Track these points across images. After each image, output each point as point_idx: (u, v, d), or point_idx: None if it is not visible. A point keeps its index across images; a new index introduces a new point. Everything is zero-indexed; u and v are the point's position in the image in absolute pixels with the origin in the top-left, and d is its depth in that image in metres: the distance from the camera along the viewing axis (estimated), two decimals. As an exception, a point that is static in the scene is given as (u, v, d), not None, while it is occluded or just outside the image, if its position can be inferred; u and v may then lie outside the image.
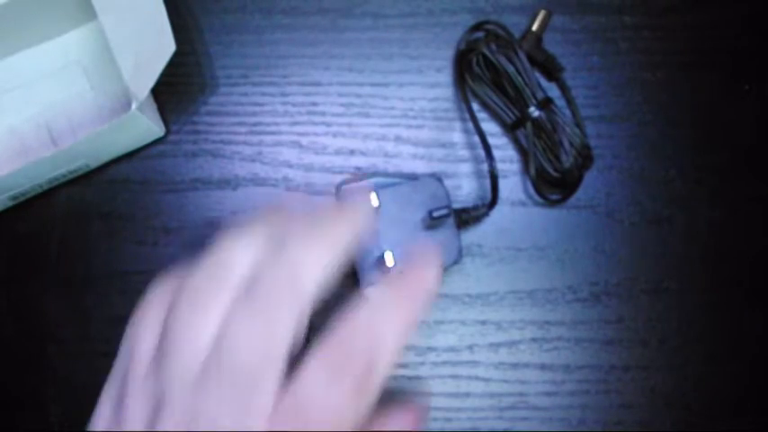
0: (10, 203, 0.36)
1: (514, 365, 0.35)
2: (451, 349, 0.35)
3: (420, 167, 0.35)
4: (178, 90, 0.37)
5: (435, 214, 0.32)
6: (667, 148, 0.37)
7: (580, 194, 0.36)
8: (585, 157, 0.35)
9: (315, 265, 0.20)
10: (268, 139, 0.37)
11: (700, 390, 0.35)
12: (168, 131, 0.37)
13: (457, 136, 0.37)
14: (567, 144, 0.34)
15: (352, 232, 0.22)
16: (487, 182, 0.35)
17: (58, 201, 0.37)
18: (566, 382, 0.35)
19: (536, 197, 0.36)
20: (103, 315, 0.36)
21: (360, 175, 0.36)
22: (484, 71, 0.35)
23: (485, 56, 0.35)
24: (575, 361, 0.35)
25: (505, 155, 0.37)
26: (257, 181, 0.37)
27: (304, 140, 0.37)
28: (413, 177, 0.35)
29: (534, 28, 0.36)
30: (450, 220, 0.32)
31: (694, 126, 0.37)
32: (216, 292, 0.20)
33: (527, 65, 0.34)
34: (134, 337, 0.22)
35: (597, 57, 0.37)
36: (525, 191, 0.36)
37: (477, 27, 0.36)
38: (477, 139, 0.37)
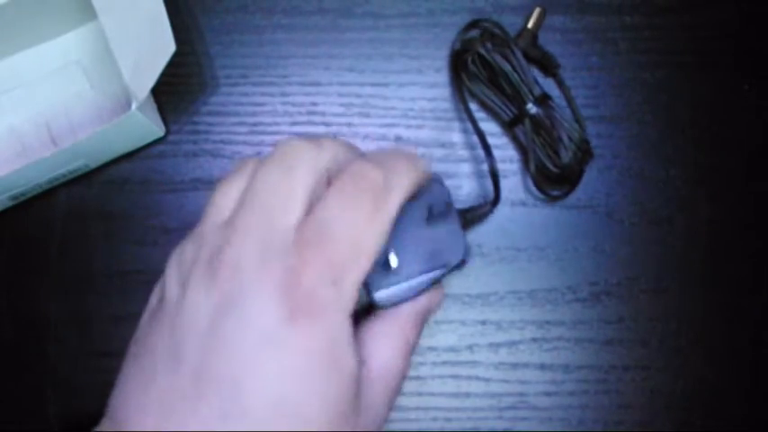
0: (10, 203, 0.36)
1: (514, 365, 0.35)
2: (451, 349, 0.35)
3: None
4: (178, 90, 0.37)
5: (437, 212, 0.32)
6: (667, 148, 0.37)
7: (580, 194, 0.36)
8: (585, 152, 0.35)
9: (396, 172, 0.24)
10: (268, 139, 0.37)
11: (700, 390, 0.35)
12: (168, 131, 0.37)
13: (457, 136, 0.37)
14: (565, 139, 0.34)
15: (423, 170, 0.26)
16: (487, 181, 0.35)
17: (58, 201, 0.37)
18: (565, 382, 0.35)
19: (537, 196, 0.36)
20: (103, 315, 0.36)
21: None
22: (480, 70, 0.35)
23: (480, 55, 0.35)
24: (574, 361, 0.35)
25: (505, 155, 0.37)
26: (257, 181, 0.37)
27: (304, 140, 0.37)
28: None
29: (530, 25, 0.36)
30: (454, 220, 0.32)
31: (694, 126, 0.37)
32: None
33: (523, 62, 0.34)
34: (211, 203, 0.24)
35: (597, 57, 0.37)
36: (525, 190, 0.36)
37: (472, 25, 0.36)
38: (476, 138, 0.37)
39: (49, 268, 0.36)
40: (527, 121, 0.34)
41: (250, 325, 0.21)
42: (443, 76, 0.37)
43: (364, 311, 0.26)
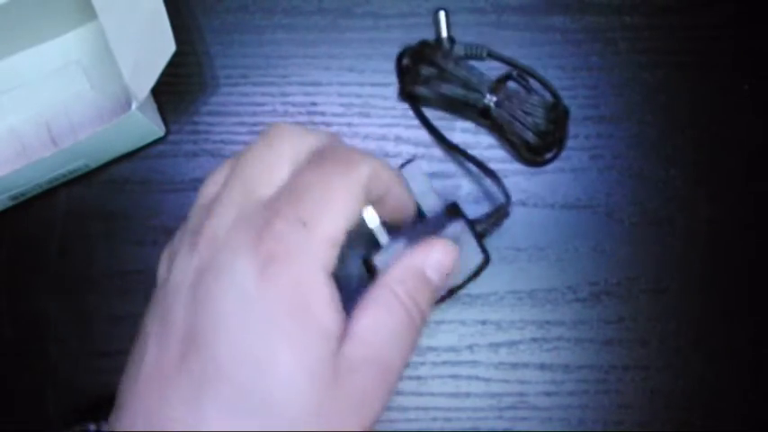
0: (10, 203, 0.36)
1: (514, 365, 0.35)
2: (451, 349, 0.35)
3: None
4: (178, 90, 0.37)
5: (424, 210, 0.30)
6: (667, 148, 0.37)
7: (580, 194, 0.36)
8: (559, 111, 0.35)
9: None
10: (268, 139, 0.37)
11: (700, 390, 0.35)
12: (168, 131, 0.37)
13: (457, 136, 0.37)
14: (536, 108, 0.35)
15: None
16: (488, 181, 0.35)
17: (58, 201, 0.37)
18: (565, 382, 0.35)
19: (537, 195, 0.36)
20: (103, 315, 0.36)
21: None
22: (430, 98, 0.36)
23: (421, 91, 0.36)
24: (574, 361, 0.35)
25: (505, 155, 0.37)
26: (257, 181, 0.37)
27: (304, 140, 0.37)
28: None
29: (444, 34, 0.37)
30: (463, 228, 0.30)
31: (694, 126, 0.37)
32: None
33: (461, 70, 0.35)
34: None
35: (597, 57, 0.37)
36: (525, 190, 0.36)
37: (400, 58, 0.37)
38: (477, 138, 0.37)
39: (49, 268, 0.36)
40: (495, 110, 0.35)
41: (226, 281, 0.21)
42: (443, 76, 0.37)
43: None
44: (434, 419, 0.35)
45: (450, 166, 0.37)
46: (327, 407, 0.21)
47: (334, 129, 0.37)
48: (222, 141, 0.37)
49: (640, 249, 0.36)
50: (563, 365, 0.35)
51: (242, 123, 0.37)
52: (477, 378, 0.35)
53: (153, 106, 0.36)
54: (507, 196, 0.33)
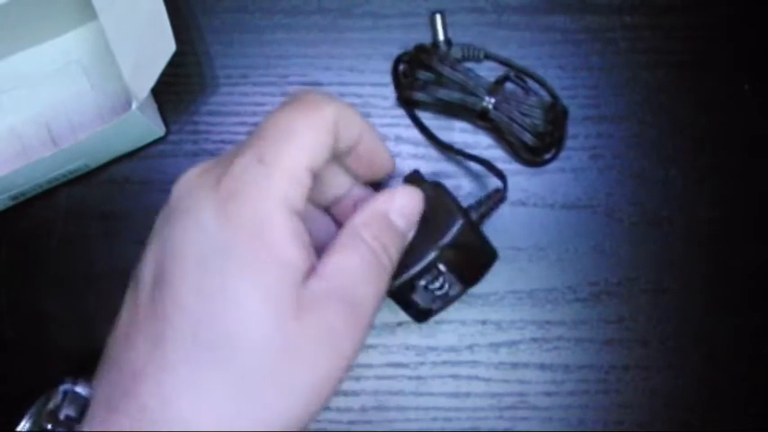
0: (10, 203, 0.36)
1: (514, 365, 0.35)
2: (451, 349, 0.35)
3: (420, 167, 0.35)
4: (178, 90, 0.37)
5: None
6: (667, 148, 0.37)
7: (580, 194, 0.36)
8: (557, 111, 0.35)
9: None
10: (268, 139, 0.37)
11: (700, 390, 0.35)
12: (168, 131, 0.37)
13: (457, 135, 0.37)
14: (534, 109, 0.34)
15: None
16: (488, 181, 0.35)
17: (58, 201, 0.37)
18: (565, 382, 0.35)
19: (537, 195, 0.36)
20: (104, 315, 0.36)
21: None
22: (428, 103, 0.36)
23: (418, 96, 0.35)
24: (575, 361, 0.35)
25: (504, 155, 0.37)
26: (257, 181, 0.37)
27: (304, 140, 0.37)
28: None
29: (440, 37, 0.36)
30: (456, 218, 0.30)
31: (694, 126, 0.37)
32: None
33: (458, 73, 0.35)
34: None
35: (597, 57, 0.37)
36: (525, 190, 0.36)
37: (396, 64, 0.37)
38: (476, 138, 0.37)
39: (50, 268, 0.36)
40: (492, 112, 0.35)
41: (189, 222, 0.22)
42: (443, 76, 0.37)
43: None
44: (434, 419, 0.35)
45: (450, 166, 0.37)
46: (294, 341, 0.21)
47: (334, 129, 0.37)
48: (222, 141, 0.37)
49: (640, 249, 0.36)
50: (563, 365, 0.35)
51: (242, 123, 0.37)
52: (478, 378, 0.35)
53: (153, 106, 0.36)
54: (503, 177, 0.32)
